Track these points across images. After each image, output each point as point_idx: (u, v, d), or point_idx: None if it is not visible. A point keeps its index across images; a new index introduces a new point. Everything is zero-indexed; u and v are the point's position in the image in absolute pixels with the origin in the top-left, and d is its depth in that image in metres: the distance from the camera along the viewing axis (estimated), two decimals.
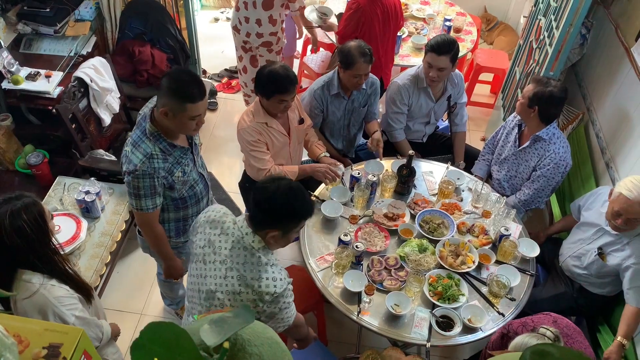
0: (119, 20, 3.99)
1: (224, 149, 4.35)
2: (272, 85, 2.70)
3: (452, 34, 4.11)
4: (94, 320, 2.05)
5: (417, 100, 3.33)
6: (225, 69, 5.11)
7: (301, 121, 3.05)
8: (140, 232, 2.54)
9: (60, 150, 3.51)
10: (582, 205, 2.85)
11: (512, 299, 2.54)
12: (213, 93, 4.78)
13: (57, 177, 3.20)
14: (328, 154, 3.19)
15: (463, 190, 3.07)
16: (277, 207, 1.83)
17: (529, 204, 3.07)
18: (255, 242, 1.86)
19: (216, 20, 5.85)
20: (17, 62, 3.35)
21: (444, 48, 3.05)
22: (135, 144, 2.19)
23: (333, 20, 4.20)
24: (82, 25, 3.77)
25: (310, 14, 4.12)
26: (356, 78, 3.05)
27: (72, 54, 3.59)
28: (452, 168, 3.19)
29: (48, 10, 3.65)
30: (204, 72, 5.05)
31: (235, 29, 3.90)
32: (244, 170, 3.16)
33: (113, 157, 3.50)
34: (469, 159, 3.45)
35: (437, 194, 3.02)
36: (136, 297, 3.33)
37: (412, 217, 2.86)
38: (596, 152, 3.39)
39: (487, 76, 4.99)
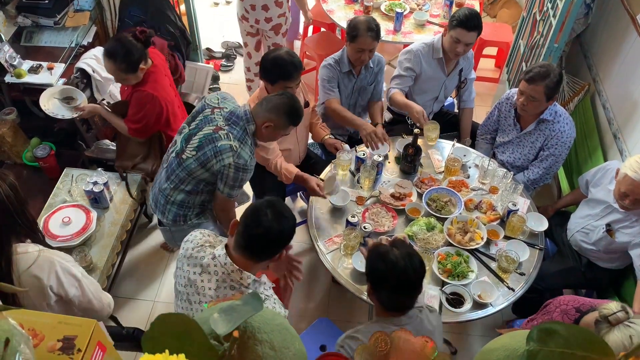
0: (118, 9, 3.97)
1: None
2: (277, 71, 2.71)
3: (454, 8, 4.05)
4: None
5: (430, 70, 3.26)
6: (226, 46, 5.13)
7: (306, 104, 3.04)
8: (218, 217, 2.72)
9: (66, 142, 3.52)
10: (590, 180, 2.83)
11: (522, 274, 2.54)
12: (216, 78, 4.77)
13: (65, 169, 3.22)
14: (332, 136, 3.18)
15: (470, 167, 3.06)
16: (265, 240, 1.82)
17: (538, 182, 3.07)
18: (244, 278, 1.83)
19: (216, 4, 5.81)
20: (18, 56, 3.35)
21: (474, 22, 2.98)
22: (242, 140, 2.37)
23: None
24: (81, 15, 3.76)
25: None
26: (359, 53, 3.02)
27: (73, 45, 3.58)
28: (458, 145, 3.17)
29: (47, 1, 3.63)
30: (209, 49, 5.05)
31: (243, 18, 3.88)
32: None
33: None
34: (475, 136, 3.43)
35: (443, 171, 3.01)
36: (149, 285, 3.37)
37: (419, 195, 2.86)
38: (603, 123, 3.36)
39: (491, 50, 4.94)
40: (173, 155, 2.50)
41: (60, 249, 2.75)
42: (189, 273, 1.89)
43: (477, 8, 4.23)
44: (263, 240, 1.81)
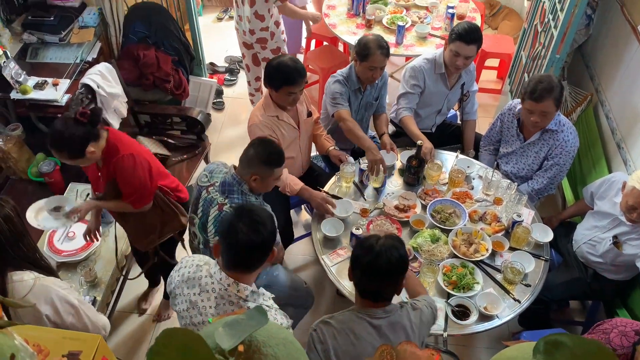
0: (123, 25, 4.01)
1: (233, 149, 4.36)
2: (281, 77, 2.73)
3: (455, 20, 4.07)
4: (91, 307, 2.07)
5: (432, 84, 3.28)
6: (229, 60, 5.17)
7: (309, 114, 3.07)
8: None
9: None
10: (595, 192, 2.81)
11: (528, 285, 2.53)
12: (219, 93, 4.80)
13: (70, 184, 3.23)
14: (337, 147, 3.19)
15: (474, 179, 3.06)
16: (247, 249, 1.81)
17: (542, 192, 3.06)
18: (240, 290, 1.82)
19: (219, 19, 5.86)
20: (24, 72, 3.38)
21: (473, 36, 3.01)
22: (246, 199, 2.38)
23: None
24: (86, 31, 3.79)
25: None
26: (372, 70, 3.04)
27: (77, 61, 3.61)
28: (461, 156, 3.17)
29: (52, 18, 3.68)
30: (213, 64, 5.08)
31: (235, 28, 3.96)
32: None
33: None
34: (478, 148, 3.43)
35: (447, 183, 3.01)
36: (152, 299, 3.36)
37: (424, 207, 2.86)
38: (606, 133, 3.36)
39: (493, 62, 4.96)
40: (202, 247, 2.54)
41: (64, 263, 2.78)
42: (189, 295, 1.89)
43: (479, 20, 4.25)
44: (246, 253, 1.81)
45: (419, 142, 2.90)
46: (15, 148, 3.35)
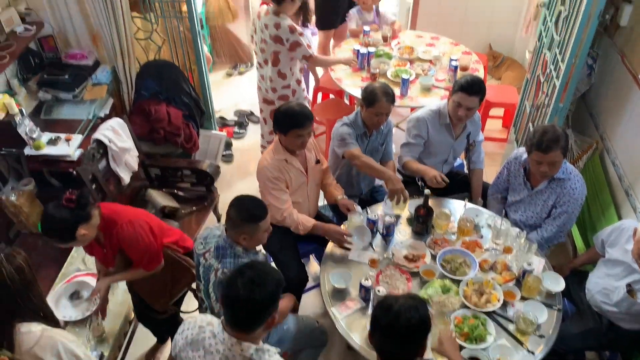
0: (135, 82, 4.13)
1: None
2: (289, 120, 2.82)
3: (459, 72, 4.16)
4: None
5: (437, 135, 3.34)
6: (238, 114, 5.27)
7: (317, 161, 3.12)
8: None
9: None
10: (606, 240, 2.79)
11: (541, 336, 2.47)
12: (228, 145, 4.87)
13: None
14: (346, 196, 3.21)
15: (482, 227, 3.04)
16: (248, 307, 1.78)
17: (552, 240, 3.03)
18: (244, 349, 1.80)
19: (229, 75, 6.01)
20: (38, 128, 3.46)
21: (475, 88, 3.08)
22: (236, 265, 2.31)
23: None
24: (99, 88, 3.91)
25: None
26: (378, 116, 3.13)
27: (90, 117, 3.70)
28: (469, 205, 3.17)
29: (67, 76, 3.80)
30: (222, 118, 5.18)
31: (258, 87, 4.13)
32: None
33: None
34: (486, 196, 3.44)
35: (456, 232, 3.00)
36: (160, 356, 3.31)
37: (433, 257, 2.84)
38: (614, 180, 3.36)
39: (498, 111, 5.02)
40: (209, 313, 2.54)
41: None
42: (195, 358, 1.87)
43: (482, 71, 4.34)
44: (243, 312, 1.79)
45: (426, 191, 2.92)
46: (27, 202, 3.39)
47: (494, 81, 5.68)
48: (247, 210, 2.35)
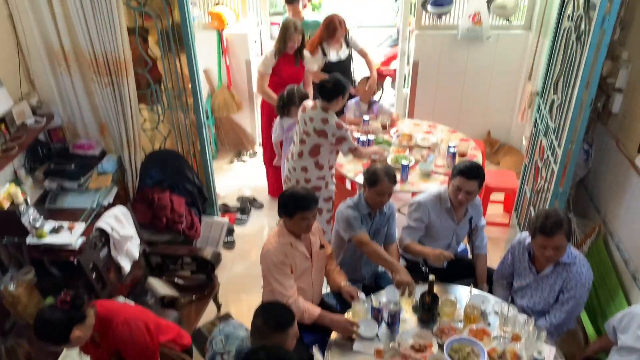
0: (139, 170, 4.20)
1: (243, 287, 4.32)
2: (294, 204, 2.85)
3: (457, 158, 4.24)
4: None
5: (439, 219, 3.36)
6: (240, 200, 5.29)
7: (322, 247, 3.10)
8: None
9: None
10: (617, 327, 2.72)
11: None
12: (230, 231, 4.87)
13: None
14: (349, 282, 3.17)
15: (489, 314, 2.97)
16: None
17: (561, 327, 2.95)
18: None
19: (231, 162, 6.12)
20: (42, 217, 3.48)
21: (473, 172, 3.16)
22: None
23: None
24: (104, 177, 3.97)
25: None
26: (380, 196, 3.19)
27: (94, 206, 3.73)
28: (475, 291, 3.12)
29: (73, 166, 3.87)
30: (225, 205, 5.20)
31: (287, 179, 4.14)
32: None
33: (132, 303, 3.49)
34: (491, 282, 3.39)
35: (463, 319, 2.92)
36: None
37: (440, 346, 2.75)
38: (620, 264, 3.32)
39: (498, 196, 5.06)
40: None
41: None
42: None
43: (480, 157, 4.42)
44: None
45: (430, 277, 2.88)
46: (26, 292, 3.33)
47: (493, 166, 5.77)
48: (274, 318, 2.32)
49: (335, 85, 3.73)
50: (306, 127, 3.87)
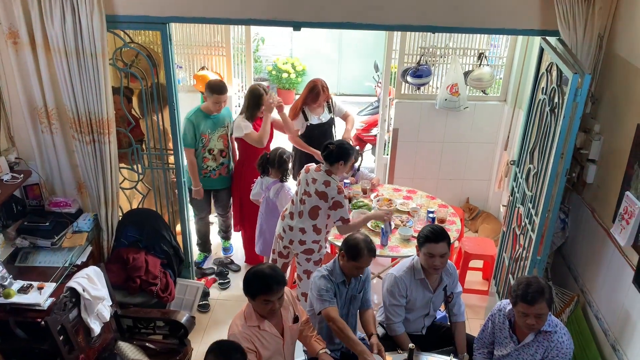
0: (116, 229, 4.13)
1: None
2: (257, 284, 2.70)
3: (436, 224, 4.25)
4: None
5: (415, 291, 3.32)
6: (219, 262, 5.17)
7: (296, 319, 2.99)
8: None
9: None
10: None
11: None
12: (206, 294, 4.74)
13: None
14: (328, 351, 3.07)
15: None
16: None
17: None
18: None
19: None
20: (10, 276, 3.36)
21: (439, 235, 3.14)
22: None
23: None
24: (79, 236, 3.88)
25: None
26: (357, 270, 3.15)
27: (66, 265, 3.63)
28: None
29: (47, 224, 3.79)
30: (200, 268, 5.06)
31: (280, 237, 4.06)
32: None
33: None
34: (471, 349, 3.32)
35: None
36: None
37: None
38: (599, 334, 3.30)
39: (477, 263, 5.06)
40: None
41: None
42: None
43: (459, 223, 4.45)
44: None
45: (410, 345, 2.82)
46: None
47: (471, 233, 5.80)
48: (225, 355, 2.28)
49: (338, 149, 3.73)
50: (308, 187, 3.85)
